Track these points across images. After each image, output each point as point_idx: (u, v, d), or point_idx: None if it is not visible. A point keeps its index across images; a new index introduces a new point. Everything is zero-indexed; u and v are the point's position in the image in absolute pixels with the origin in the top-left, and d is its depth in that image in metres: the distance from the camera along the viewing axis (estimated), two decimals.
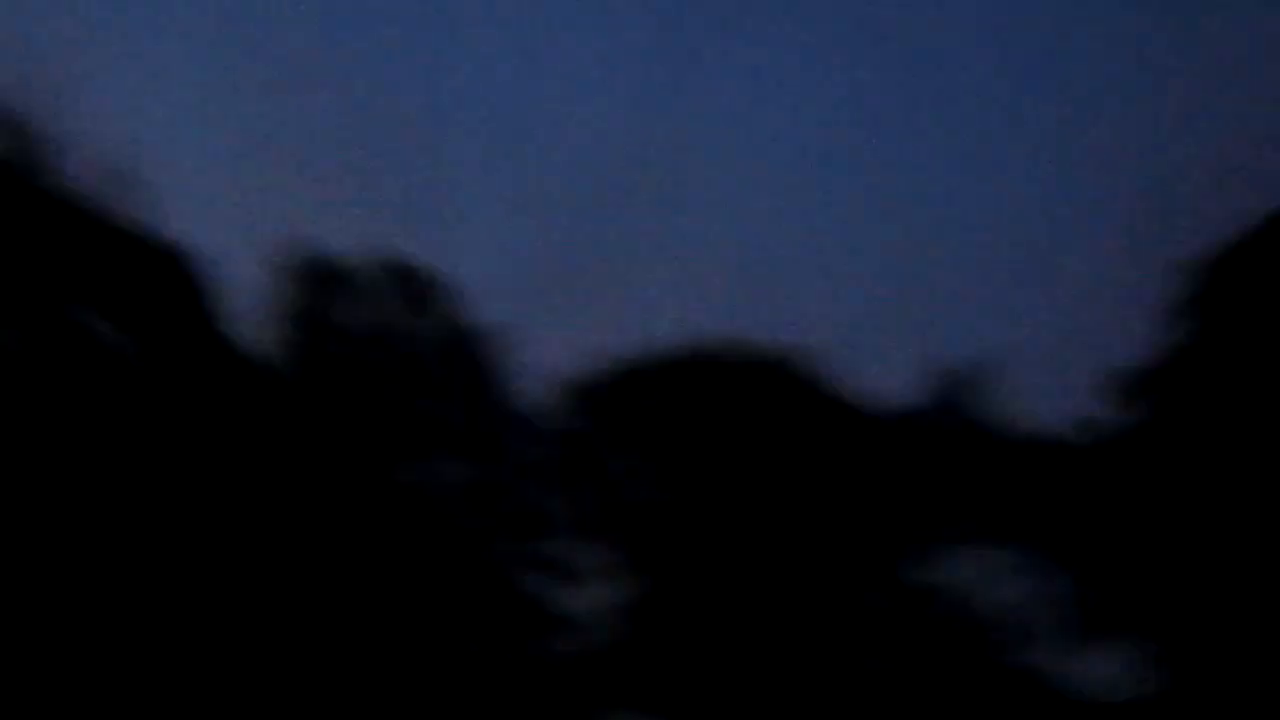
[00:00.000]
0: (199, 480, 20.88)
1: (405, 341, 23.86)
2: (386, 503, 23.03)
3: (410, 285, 23.54)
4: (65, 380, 20.59)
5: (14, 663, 17.10)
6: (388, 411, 23.70)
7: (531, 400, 24.23)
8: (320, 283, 23.82)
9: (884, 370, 23.73)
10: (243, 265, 22.95)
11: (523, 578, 23.83)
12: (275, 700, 20.17)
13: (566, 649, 23.67)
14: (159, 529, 20.04)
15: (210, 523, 20.82)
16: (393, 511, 23.21)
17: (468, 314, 24.07)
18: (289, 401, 22.69)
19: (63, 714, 17.87)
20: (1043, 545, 22.23)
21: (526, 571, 23.82)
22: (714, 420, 23.62)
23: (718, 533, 23.30)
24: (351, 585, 22.44)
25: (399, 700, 22.19)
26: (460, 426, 23.93)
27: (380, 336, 23.72)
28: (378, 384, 23.71)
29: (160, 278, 22.20)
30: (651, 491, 23.91)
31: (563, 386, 24.28)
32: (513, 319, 23.46)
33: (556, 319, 25.97)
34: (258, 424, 21.32)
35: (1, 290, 20.08)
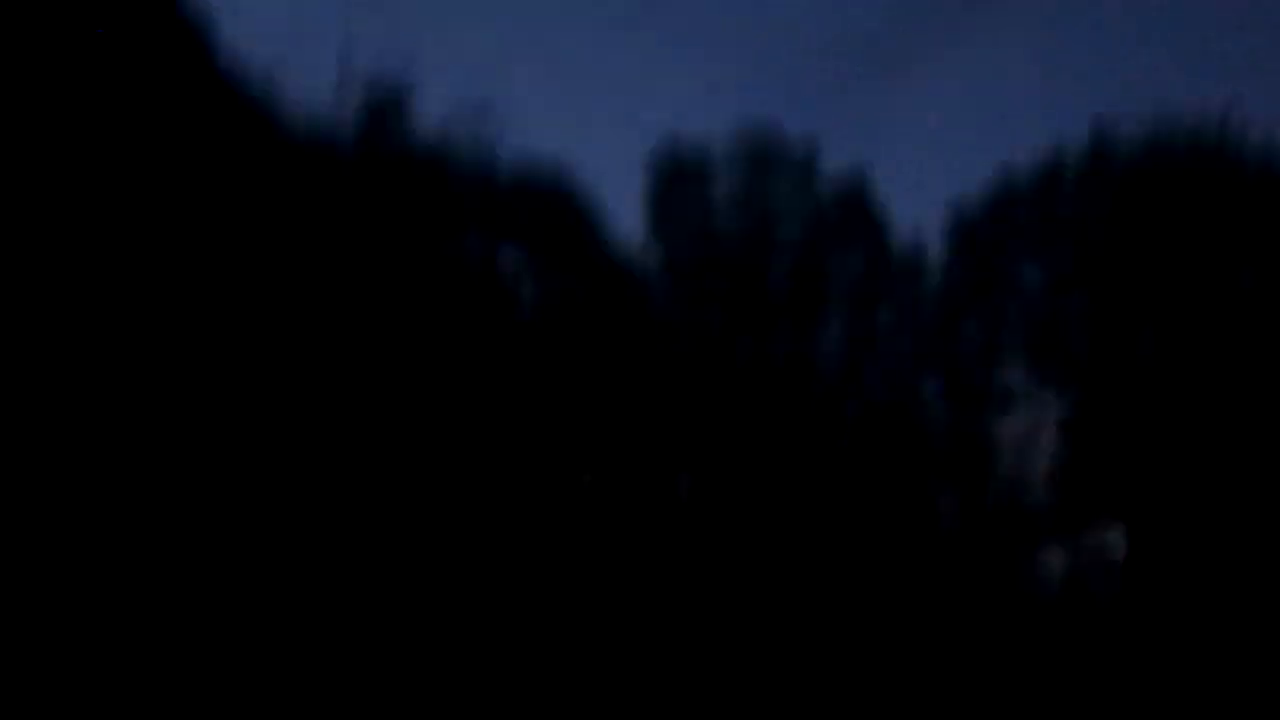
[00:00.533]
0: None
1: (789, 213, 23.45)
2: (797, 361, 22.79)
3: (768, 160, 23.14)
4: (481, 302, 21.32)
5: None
6: (795, 277, 23.38)
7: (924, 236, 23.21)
8: (689, 174, 23.77)
9: None
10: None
11: (956, 410, 23.01)
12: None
13: (1013, 473, 22.71)
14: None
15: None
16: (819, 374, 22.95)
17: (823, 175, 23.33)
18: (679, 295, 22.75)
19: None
20: None
21: (959, 403, 22.97)
22: (1126, 214, 21.65)
23: (1143, 331, 21.43)
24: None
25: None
26: (858, 276, 23.28)
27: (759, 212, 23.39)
28: (775, 254, 23.46)
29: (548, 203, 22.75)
30: (1071, 301, 22.33)
31: (952, 215, 23.05)
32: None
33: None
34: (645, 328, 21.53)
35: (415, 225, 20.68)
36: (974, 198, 22.64)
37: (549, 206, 22.61)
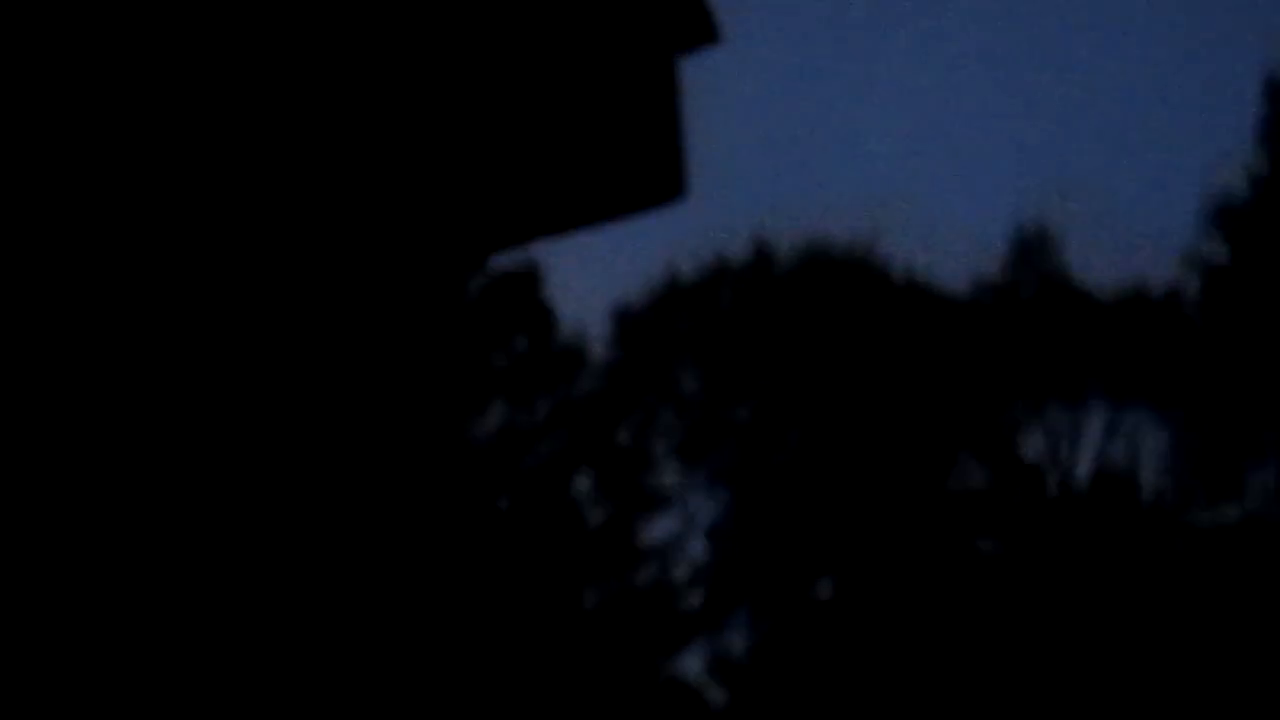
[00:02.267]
0: None
1: None
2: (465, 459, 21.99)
3: None
4: None
5: None
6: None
7: (586, 333, 23.13)
8: None
9: (958, 244, 22.46)
10: None
11: (607, 510, 23.02)
12: None
13: (655, 578, 22.96)
14: None
15: None
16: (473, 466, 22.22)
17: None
18: None
19: None
20: (1155, 404, 21.34)
21: (610, 504, 23.00)
22: (782, 325, 22.49)
23: (803, 438, 22.34)
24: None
25: (492, 647, 21.53)
26: (524, 370, 22.85)
27: None
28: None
29: None
30: (727, 408, 22.92)
31: (615, 314, 23.13)
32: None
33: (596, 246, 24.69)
34: None
35: None
36: (639, 296, 22.87)
37: None
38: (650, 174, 2.87)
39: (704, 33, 2.74)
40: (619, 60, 2.79)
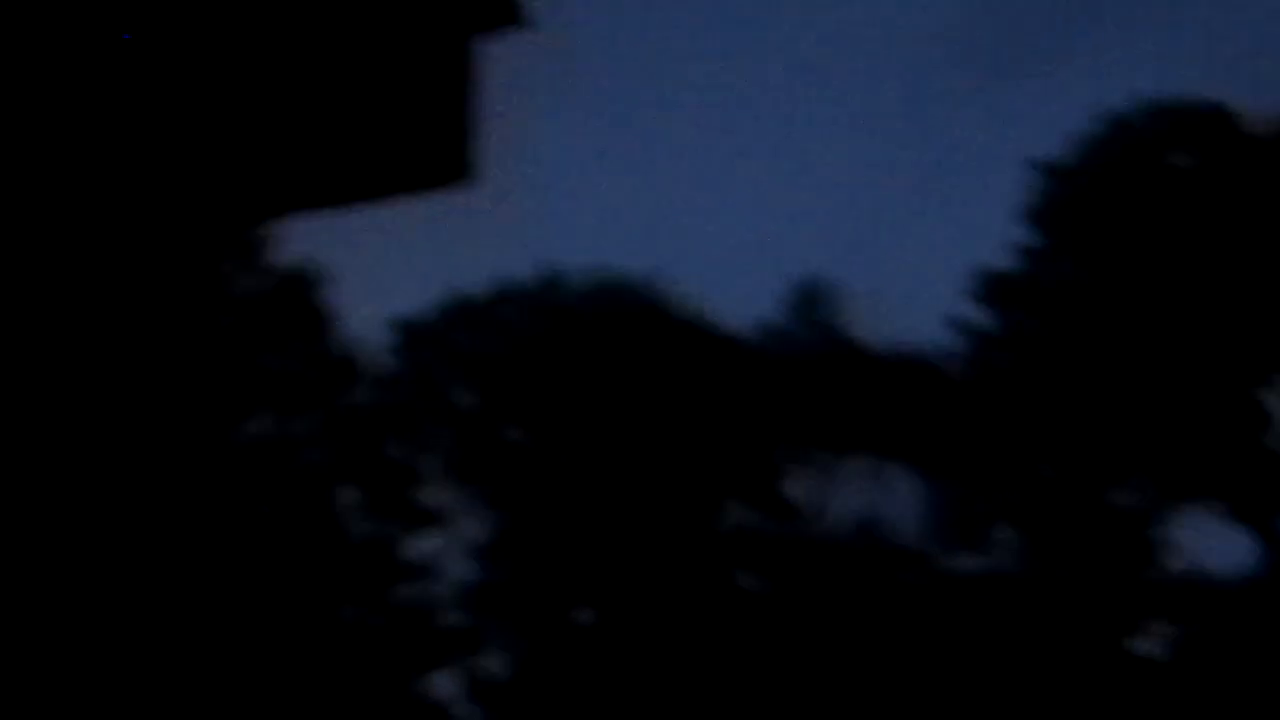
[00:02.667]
0: None
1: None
2: (225, 461, 21.37)
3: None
4: None
5: None
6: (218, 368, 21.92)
7: (365, 343, 22.83)
8: None
9: (745, 291, 22.94)
10: None
11: (371, 525, 22.70)
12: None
13: (421, 594, 22.75)
14: None
15: None
16: (233, 469, 21.68)
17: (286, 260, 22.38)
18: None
19: None
20: (913, 457, 22.10)
21: (375, 518, 22.69)
22: (564, 351, 22.60)
23: (575, 465, 22.45)
24: (192, 549, 20.89)
25: (248, 657, 21.00)
26: (295, 376, 22.41)
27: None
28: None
29: None
30: (502, 428, 22.89)
31: (398, 326, 22.92)
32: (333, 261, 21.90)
33: (385, 259, 24.37)
34: None
35: None
36: (423, 313, 22.72)
37: None
38: (436, 154, 2.87)
39: (506, 14, 2.74)
40: (410, 31, 2.78)
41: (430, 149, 2.84)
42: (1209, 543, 20.80)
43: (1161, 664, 20.51)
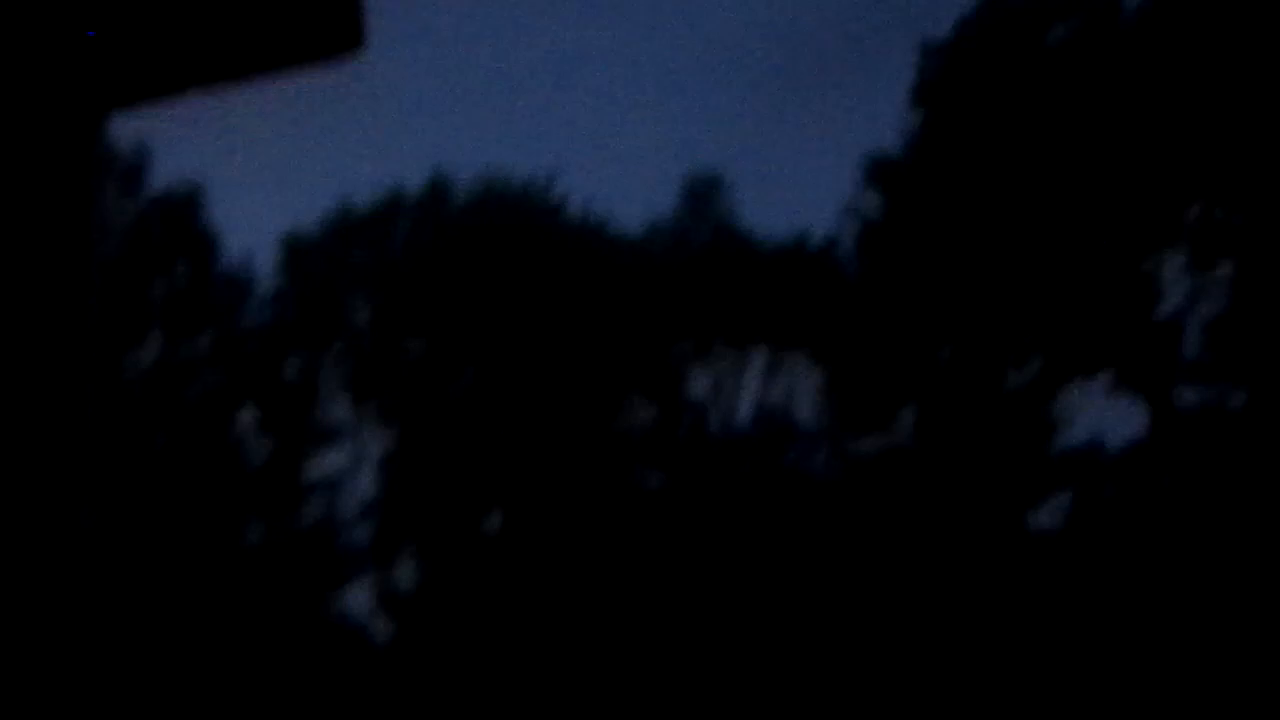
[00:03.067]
0: None
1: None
2: (123, 388, 21.07)
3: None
4: None
5: None
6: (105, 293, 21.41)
7: (252, 262, 22.41)
8: None
9: (635, 191, 22.81)
10: None
11: (272, 445, 22.44)
12: None
13: (326, 511, 22.60)
14: None
15: None
16: (130, 396, 21.28)
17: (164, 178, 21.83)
18: None
19: None
20: (811, 347, 22.26)
21: (275, 438, 22.43)
22: (456, 260, 22.36)
23: (475, 374, 22.32)
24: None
25: (159, 585, 20.82)
26: (183, 300, 21.95)
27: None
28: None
29: None
30: (398, 341, 22.65)
31: (286, 242, 22.50)
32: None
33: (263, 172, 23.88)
34: None
35: None
36: (311, 228, 22.31)
37: None
38: (325, 20, 2.70)
39: None
40: None
41: (321, 15, 2.68)
42: (1101, 414, 21.30)
43: (1058, 536, 21.05)
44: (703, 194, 22.53)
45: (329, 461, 22.53)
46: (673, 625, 21.21)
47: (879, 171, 21.52)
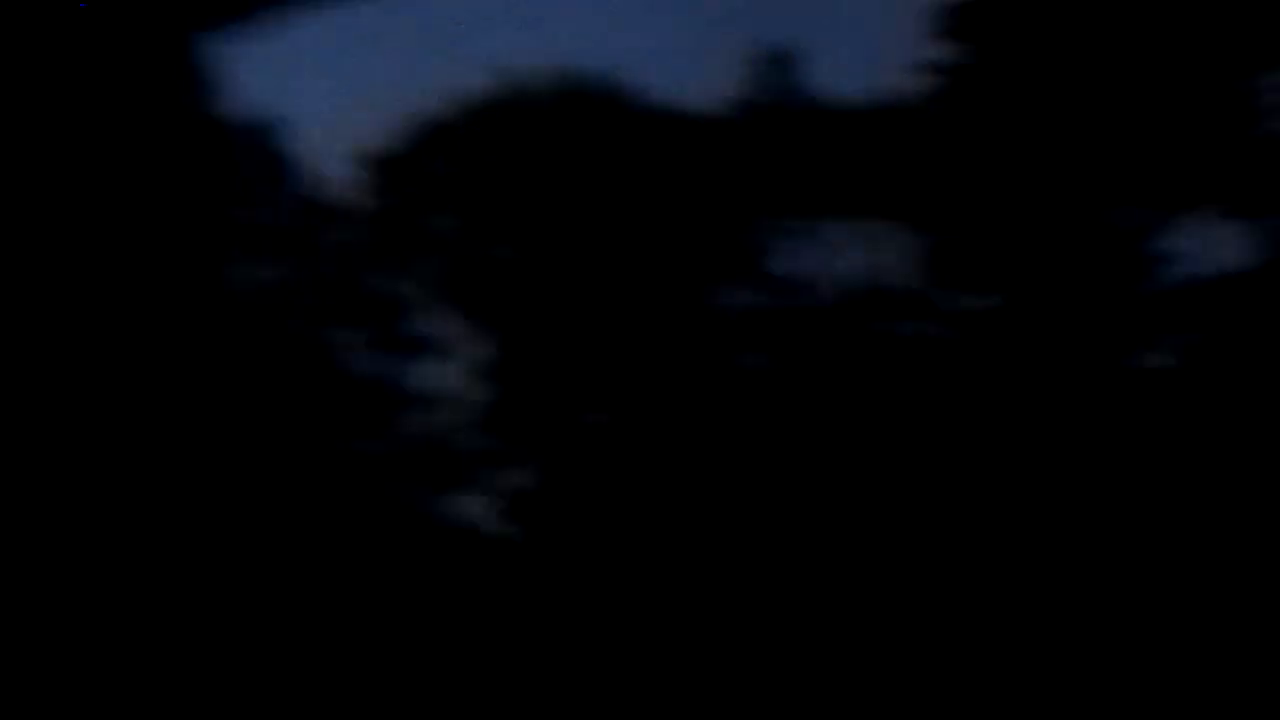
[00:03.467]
0: None
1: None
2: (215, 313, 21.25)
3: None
4: None
5: None
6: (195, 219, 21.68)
7: (337, 180, 22.44)
8: None
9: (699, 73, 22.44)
10: None
11: (372, 362, 22.63)
12: None
13: (433, 421, 22.81)
14: None
15: None
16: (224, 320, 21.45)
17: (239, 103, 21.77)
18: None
19: None
20: (899, 211, 21.87)
21: (374, 355, 22.60)
22: (532, 160, 22.19)
23: (567, 273, 22.26)
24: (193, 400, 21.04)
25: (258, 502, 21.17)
26: (270, 222, 22.06)
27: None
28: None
29: None
30: (488, 248, 22.62)
31: (363, 159, 22.48)
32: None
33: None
34: None
35: None
36: (390, 144, 22.25)
37: None
38: None
39: None
40: None
41: None
42: (1210, 247, 20.71)
43: (1173, 372, 20.62)
44: (770, 65, 22.09)
45: (431, 374, 22.68)
46: (774, 509, 21.22)
47: (951, 18, 20.89)
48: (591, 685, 20.62)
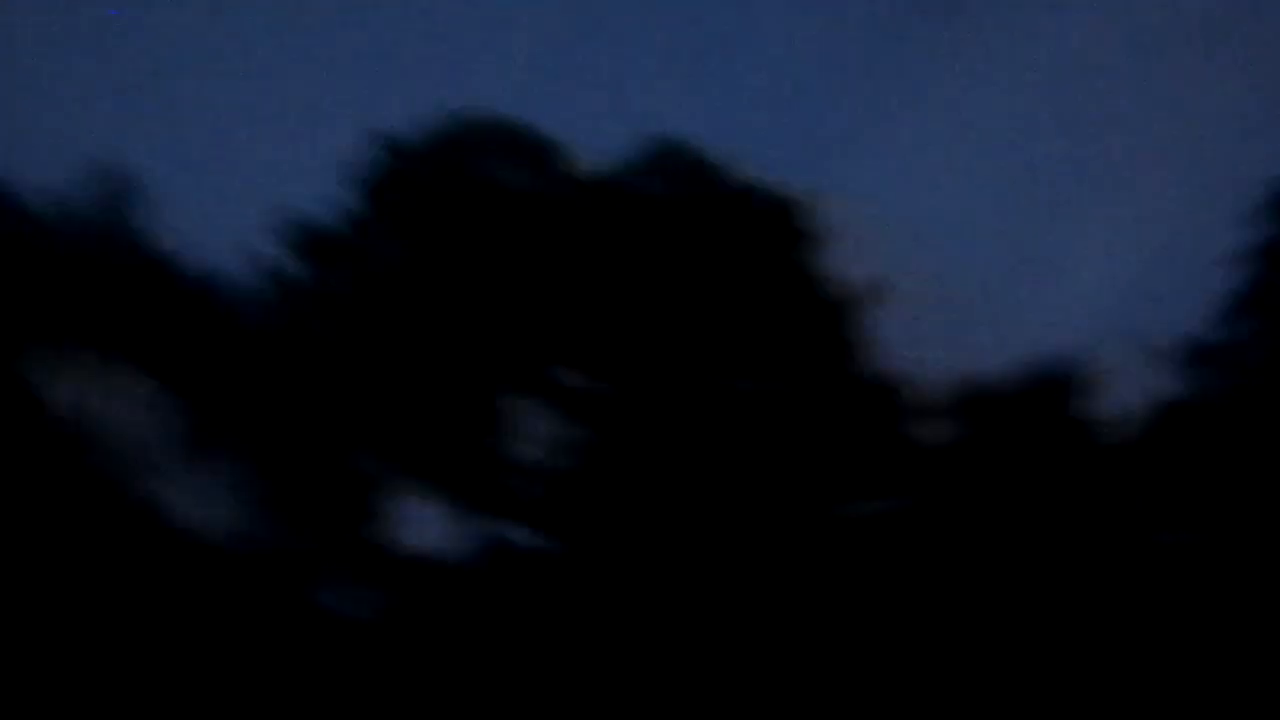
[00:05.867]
0: None
1: None
2: None
3: None
4: None
5: None
6: None
7: None
8: None
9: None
10: None
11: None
12: None
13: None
14: None
15: None
16: None
17: None
18: None
19: None
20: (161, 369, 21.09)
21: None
22: None
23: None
24: None
25: None
26: None
27: None
28: None
29: None
30: None
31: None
32: None
33: None
34: None
35: None
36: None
37: None
38: None
39: None
40: None
41: None
42: (427, 519, 22.32)
43: (362, 625, 21.62)
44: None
45: None
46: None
47: (303, 236, 21.12)
48: None
